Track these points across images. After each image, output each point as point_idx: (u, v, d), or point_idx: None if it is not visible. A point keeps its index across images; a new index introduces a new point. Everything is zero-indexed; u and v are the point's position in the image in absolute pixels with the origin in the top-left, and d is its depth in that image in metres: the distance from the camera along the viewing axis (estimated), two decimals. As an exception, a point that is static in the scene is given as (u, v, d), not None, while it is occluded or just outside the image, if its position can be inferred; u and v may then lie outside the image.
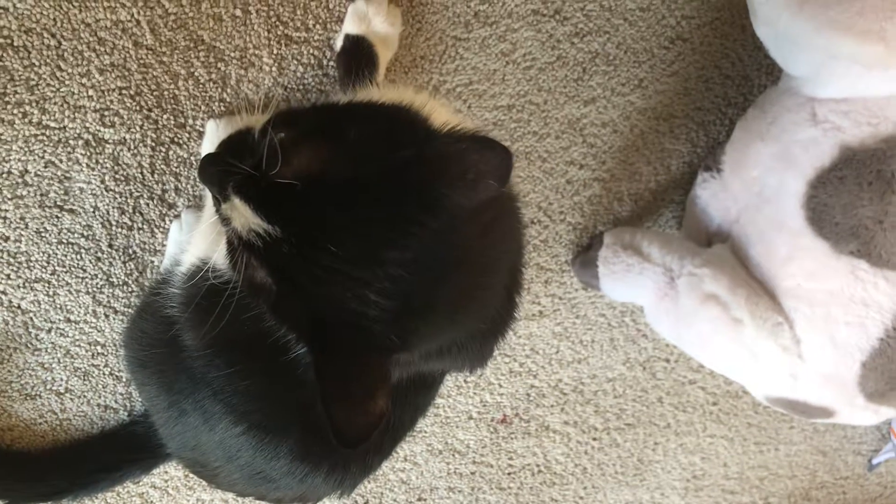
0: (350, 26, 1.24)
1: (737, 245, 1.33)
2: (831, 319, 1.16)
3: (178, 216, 1.25)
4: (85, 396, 1.36)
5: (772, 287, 1.25)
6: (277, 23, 1.23)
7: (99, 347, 1.35)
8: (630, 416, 1.64)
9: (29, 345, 1.25)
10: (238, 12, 1.21)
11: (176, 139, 1.23)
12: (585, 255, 1.46)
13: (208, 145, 1.13)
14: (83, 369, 1.35)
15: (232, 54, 1.23)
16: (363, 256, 0.64)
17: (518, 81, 1.26)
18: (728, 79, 1.38)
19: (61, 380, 1.31)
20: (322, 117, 0.75)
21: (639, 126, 1.33)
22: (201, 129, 1.26)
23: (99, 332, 1.34)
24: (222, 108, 1.26)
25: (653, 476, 1.67)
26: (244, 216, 0.67)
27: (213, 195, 0.72)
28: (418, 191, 0.64)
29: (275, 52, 1.24)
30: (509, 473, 1.61)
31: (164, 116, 1.24)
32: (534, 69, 1.26)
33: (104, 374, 1.27)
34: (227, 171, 0.68)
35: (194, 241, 1.03)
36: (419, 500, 1.56)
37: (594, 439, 1.61)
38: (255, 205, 0.66)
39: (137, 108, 1.22)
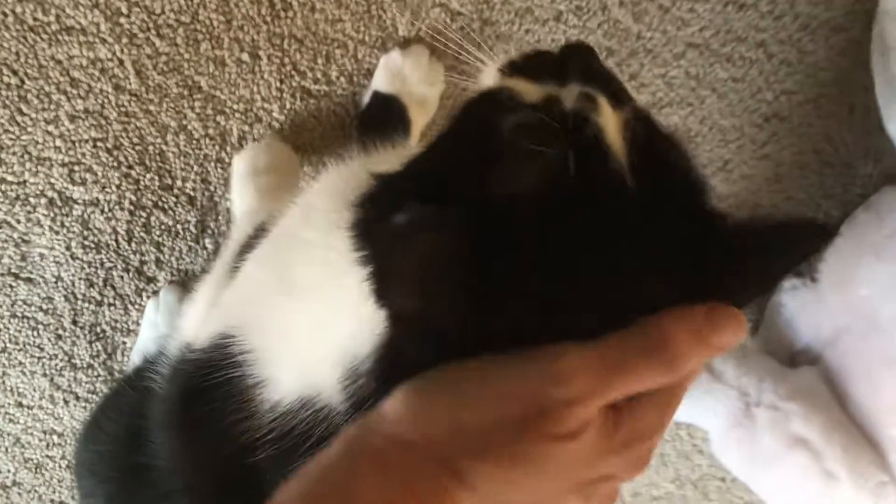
0: (381, 82, 1.01)
1: (831, 374, 1.11)
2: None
3: (155, 293, 1.03)
4: (36, 491, 1.16)
5: (875, 435, 1.03)
6: (293, 72, 1.01)
7: (55, 437, 1.14)
8: (674, 536, 1.42)
9: None
10: (245, 57, 0.98)
11: (160, 203, 1.01)
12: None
13: (242, 181, 1.01)
14: (35, 460, 1.14)
15: (235, 106, 1.01)
16: None
17: (578, 156, 1.02)
18: (828, 166, 1.16)
19: (8, 471, 1.15)
20: None
21: None
22: (191, 193, 1.04)
23: (56, 419, 1.13)
24: (219, 170, 1.03)
25: None
26: (611, 123, 0.48)
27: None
28: None
29: (287, 106, 1.02)
30: None
31: (147, 176, 1.02)
32: None
33: (60, 466, 1.12)
34: None
35: (185, 321, 0.79)
36: None
37: (631, 564, 1.38)
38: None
39: (115, 164, 1.00)
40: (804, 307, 1.18)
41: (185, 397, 0.71)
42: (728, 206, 1.17)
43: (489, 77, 0.55)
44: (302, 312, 0.58)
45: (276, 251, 0.67)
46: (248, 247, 0.74)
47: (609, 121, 0.47)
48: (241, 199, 1.01)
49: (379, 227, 0.46)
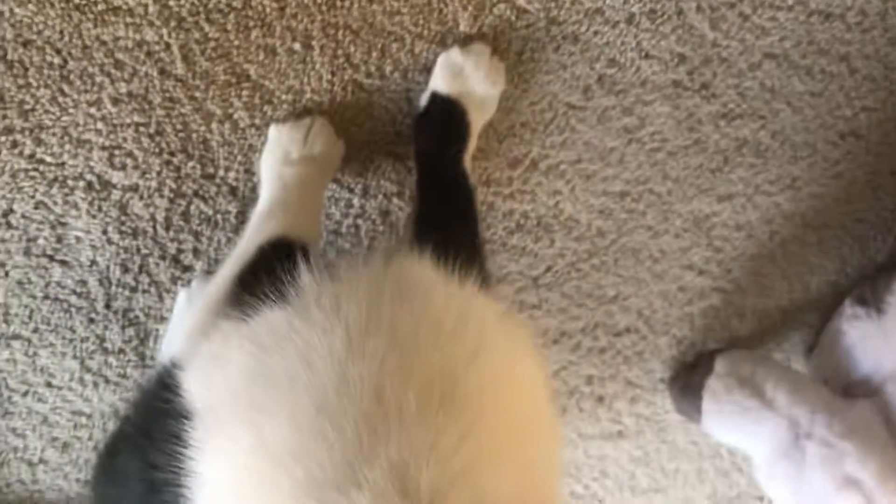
0: (440, 83, 0.95)
1: (890, 411, 1.04)
2: None
3: (190, 282, 0.99)
4: (62, 470, 1.14)
5: (933, 481, 0.97)
6: (346, 64, 0.96)
7: (83, 418, 1.12)
8: (705, 554, 1.38)
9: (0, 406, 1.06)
10: (297, 46, 0.93)
11: (201, 192, 0.98)
12: (688, 378, 1.18)
13: (274, 157, 0.94)
14: (62, 440, 1.12)
15: (283, 97, 0.96)
16: None
17: (639, 165, 0.99)
18: (903, 190, 1.08)
19: (35, 448, 1.11)
20: None
21: (780, 233, 1.08)
22: (233, 184, 0.99)
23: (85, 401, 1.11)
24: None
25: None
26: None
27: None
28: None
29: (338, 99, 0.97)
30: None
31: (189, 164, 0.98)
32: (662, 152, 0.99)
33: (87, 447, 1.09)
34: None
35: (171, 334, 0.75)
36: None
37: (660, 577, 1.34)
38: None
39: (157, 150, 0.96)
40: (866, 338, 1.11)
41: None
42: (795, 226, 1.11)
43: None
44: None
45: None
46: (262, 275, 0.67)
47: None
48: (270, 183, 0.91)
49: None
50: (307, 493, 0.47)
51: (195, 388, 0.64)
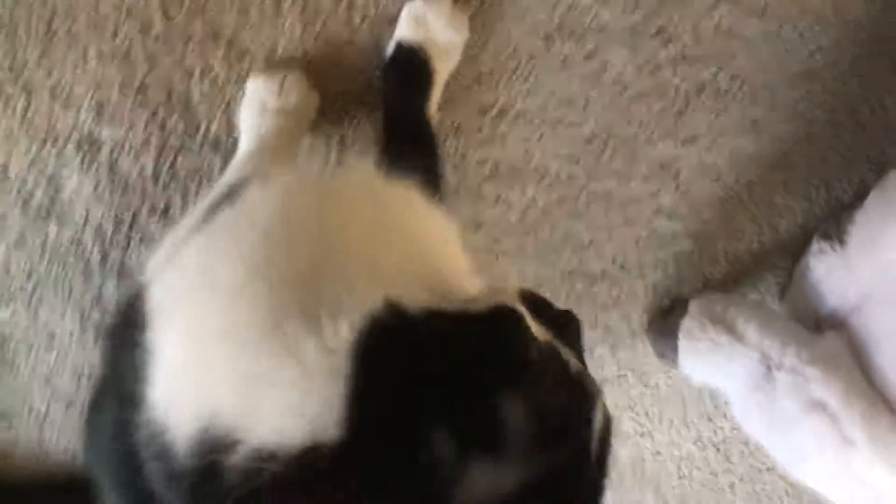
0: (404, 31, 1.00)
1: (855, 341, 1.07)
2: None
3: (182, 236, 1.04)
4: (66, 427, 1.17)
5: (897, 402, 0.99)
6: (315, 17, 1.00)
7: (84, 379, 1.15)
8: (695, 501, 1.39)
9: (4, 361, 1.12)
10: (268, 1, 0.98)
11: (186, 146, 1.02)
12: (664, 322, 1.21)
13: (252, 109, 0.96)
14: (66, 397, 1.16)
15: (258, 52, 1.01)
16: None
17: (604, 110, 1.02)
18: (863, 128, 1.11)
19: (40, 404, 1.13)
20: None
21: (746, 175, 1.09)
22: (216, 137, 1.04)
23: (86, 357, 1.14)
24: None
25: (714, 571, 1.43)
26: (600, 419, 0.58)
27: None
28: None
29: (310, 52, 1.01)
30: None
31: (173, 118, 1.03)
32: (625, 97, 1.02)
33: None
34: None
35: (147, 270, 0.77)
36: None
37: (650, 524, 1.36)
38: None
39: (141, 105, 1.01)
40: (831, 272, 1.14)
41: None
42: (759, 168, 1.14)
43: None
44: (194, 349, 0.54)
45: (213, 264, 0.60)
46: (224, 200, 0.69)
47: (601, 416, 0.54)
48: (248, 133, 0.95)
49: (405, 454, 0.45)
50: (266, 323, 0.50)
51: (156, 295, 0.66)
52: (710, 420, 1.36)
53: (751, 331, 1.12)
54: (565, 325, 0.57)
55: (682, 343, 1.17)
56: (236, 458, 0.46)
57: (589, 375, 0.55)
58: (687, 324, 1.17)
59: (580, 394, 0.53)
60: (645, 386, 1.31)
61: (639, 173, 1.15)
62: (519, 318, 0.53)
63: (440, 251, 0.68)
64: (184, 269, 0.63)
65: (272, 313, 0.50)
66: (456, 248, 0.71)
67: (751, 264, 1.25)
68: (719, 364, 1.14)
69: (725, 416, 1.35)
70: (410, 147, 0.94)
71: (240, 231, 0.61)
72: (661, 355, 1.27)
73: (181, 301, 0.60)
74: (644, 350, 1.28)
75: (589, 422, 0.52)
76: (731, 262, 1.24)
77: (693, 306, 1.18)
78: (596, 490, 0.53)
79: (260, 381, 0.47)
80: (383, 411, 0.45)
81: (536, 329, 0.54)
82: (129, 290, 0.74)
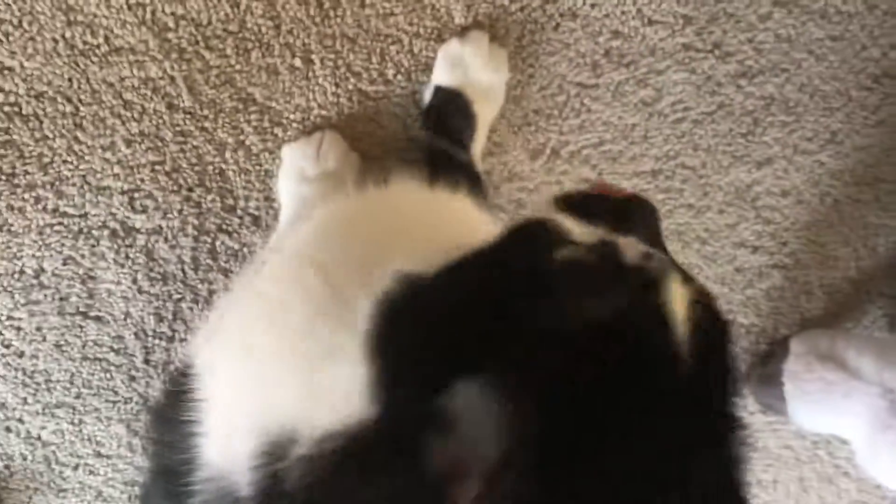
0: (442, 75, 0.94)
1: None
2: None
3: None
4: None
5: None
6: (348, 74, 0.95)
7: (137, 488, 1.06)
8: (828, 580, 1.23)
9: (52, 484, 1.05)
10: (298, 62, 0.93)
11: (224, 226, 0.96)
12: (765, 369, 1.09)
13: (290, 177, 0.94)
14: (119, 513, 1.07)
15: (291, 116, 0.95)
16: None
17: (666, 139, 0.94)
18: (956, 127, 1.00)
19: None
20: None
21: (832, 194, 1.00)
22: (255, 213, 0.98)
23: (136, 468, 1.06)
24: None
25: None
26: (679, 297, 0.47)
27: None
28: None
29: (345, 111, 0.96)
30: None
31: (209, 198, 0.97)
32: (686, 122, 0.94)
33: None
34: None
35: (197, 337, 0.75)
36: None
37: None
38: None
39: (175, 187, 0.96)
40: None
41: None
42: (845, 185, 1.04)
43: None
44: (247, 379, 0.53)
45: (250, 302, 0.62)
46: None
47: (677, 294, 0.45)
48: (289, 204, 0.94)
49: (417, 394, 0.43)
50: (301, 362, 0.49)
51: (202, 360, 0.62)
52: (831, 482, 1.21)
53: (866, 363, 1.00)
54: (630, 212, 0.51)
55: (789, 388, 1.05)
56: (296, 454, 0.45)
57: (656, 256, 0.47)
58: (791, 366, 1.05)
59: (637, 283, 0.45)
60: (752, 450, 1.17)
61: (713, 205, 1.05)
62: (540, 229, 0.48)
63: None
64: (228, 326, 0.62)
65: (313, 317, 0.51)
66: None
67: (851, 294, 1.13)
68: (834, 404, 1.01)
69: (848, 475, 1.20)
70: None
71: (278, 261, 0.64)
72: (765, 407, 1.14)
73: (228, 347, 0.58)
74: (745, 405, 1.15)
75: (658, 310, 0.44)
76: (829, 294, 1.12)
77: (795, 345, 1.06)
78: (700, 394, 0.45)
79: (310, 378, 0.48)
80: (408, 382, 0.43)
81: (580, 231, 0.48)
82: (174, 370, 0.74)
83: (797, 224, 1.06)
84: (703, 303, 0.46)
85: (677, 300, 0.44)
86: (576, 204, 0.50)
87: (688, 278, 0.46)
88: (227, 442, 0.52)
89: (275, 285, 0.59)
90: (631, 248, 0.47)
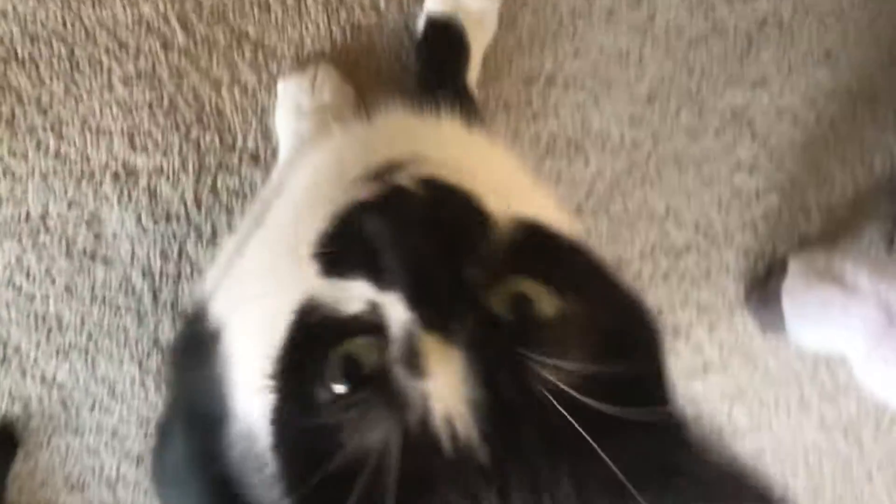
0: (433, 4, 0.94)
1: None
2: None
3: (232, 261, 0.98)
4: (140, 485, 1.10)
5: None
6: (339, 6, 0.95)
7: (151, 426, 1.09)
8: (829, 495, 1.25)
9: (69, 424, 1.06)
10: (289, -3, 0.93)
11: (224, 164, 0.97)
12: (764, 289, 1.10)
13: (287, 113, 0.93)
14: (135, 452, 1.09)
15: (285, 51, 0.96)
16: None
17: (660, 63, 0.95)
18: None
19: (111, 466, 1.08)
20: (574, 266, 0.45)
21: (828, 113, 1.01)
22: (254, 150, 0.99)
23: (150, 406, 1.08)
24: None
25: (862, 570, 1.26)
26: (451, 391, 0.37)
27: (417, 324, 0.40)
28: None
29: (338, 43, 0.96)
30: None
31: (207, 136, 0.98)
32: (681, 45, 0.96)
33: None
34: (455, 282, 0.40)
35: (206, 283, 0.74)
36: None
37: (784, 528, 1.22)
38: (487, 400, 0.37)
39: (173, 126, 0.97)
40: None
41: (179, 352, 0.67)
42: (841, 103, 1.04)
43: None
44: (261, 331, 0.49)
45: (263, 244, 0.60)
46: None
47: (440, 380, 0.38)
48: (287, 139, 0.94)
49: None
50: None
51: (219, 303, 0.61)
52: (832, 401, 1.22)
53: (863, 278, 1.00)
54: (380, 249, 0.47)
55: (787, 307, 1.06)
56: None
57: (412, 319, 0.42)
58: (789, 285, 1.06)
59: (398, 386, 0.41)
60: (754, 370, 1.19)
61: (709, 127, 1.06)
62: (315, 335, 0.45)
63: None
64: (237, 275, 0.61)
65: None
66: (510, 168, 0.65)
67: (849, 213, 1.14)
68: (833, 320, 1.02)
69: (849, 393, 1.22)
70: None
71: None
72: (765, 327, 1.15)
73: (240, 298, 0.57)
74: (745, 327, 1.17)
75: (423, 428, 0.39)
76: (826, 214, 1.13)
77: (793, 265, 1.07)
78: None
79: None
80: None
81: (343, 296, 0.44)
82: (189, 313, 0.72)
83: (794, 144, 1.06)
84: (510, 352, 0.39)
85: (441, 389, 0.37)
86: (333, 255, 0.43)
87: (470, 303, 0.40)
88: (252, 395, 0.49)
89: (279, 231, 0.59)
90: (392, 307, 0.40)
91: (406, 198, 0.41)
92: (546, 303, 0.41)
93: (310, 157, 0.67)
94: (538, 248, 0.44)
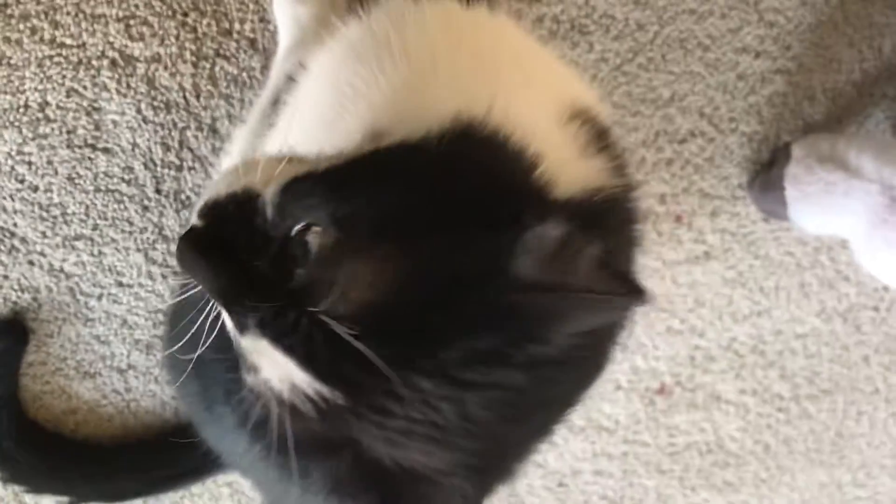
0: None
1: None
2: None
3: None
4: (150, 373, 1.13)
5: None
6: None
7: (160, 315, 1.10)
8: (826, 380, 1.28)
9: (79, 314, 1.08)
10: None
11: (222, 51, 0.96)
12: (767, 175, 1.10)
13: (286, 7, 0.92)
14: (145, 341, 1.11)
15: (281, -69, 0.93)
16: (452, 413, 0.45)
17: (665, -61, 0.90)
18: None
19: (121, 354, 1.10)
20: (373, 194, 0.48)
21: None
22: (251, 36, 0.97)
23: (157, 296, 1.09)
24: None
25: (855, 453, 1.32)
26: (281, 368, 0.44)
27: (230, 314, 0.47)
28: (521, 326, 0.44)
29: (337, -77, 0.93)
30: (671, 454, 1.28)
31: (204, 21, 0.96)
32: None
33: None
34: (241, 285, 0.46)
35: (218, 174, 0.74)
36: (560, 485, 1.26)
37: (779, 410, 1.27)
38: (300, 355, 0.44)
39: (170, 12, 0.95)
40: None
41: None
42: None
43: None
44: None
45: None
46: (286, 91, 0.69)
47: (272, 362, 0.45)
48: (286, 26, 0.92)
49: None
50: None
51: None
52: (831, 287, 1.24)
53: (866, 161, 1.00)
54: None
55: (790, 192, 1.06)
56: None
57: None
58: (792, 170, 1.06)
59: None
60: (755, 257, 1.20)
61: (715, 9, 1.04)
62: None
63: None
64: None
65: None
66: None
67: (855, 97, 1.12)
68: (835, 204, 1.03)
69: (849, 279, 1.23)
70: None
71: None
72: (767, 214, 1.16)
73: None
74: (748, 214, 1.17)
75: None
76: (832, 98, 1.12)
77: (797, 150, 1.06)
78: None
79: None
80: None
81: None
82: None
83: (801, 26, 1.04)
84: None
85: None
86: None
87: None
88: None
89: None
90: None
91: (192, 232, 0.48)
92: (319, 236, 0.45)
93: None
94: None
